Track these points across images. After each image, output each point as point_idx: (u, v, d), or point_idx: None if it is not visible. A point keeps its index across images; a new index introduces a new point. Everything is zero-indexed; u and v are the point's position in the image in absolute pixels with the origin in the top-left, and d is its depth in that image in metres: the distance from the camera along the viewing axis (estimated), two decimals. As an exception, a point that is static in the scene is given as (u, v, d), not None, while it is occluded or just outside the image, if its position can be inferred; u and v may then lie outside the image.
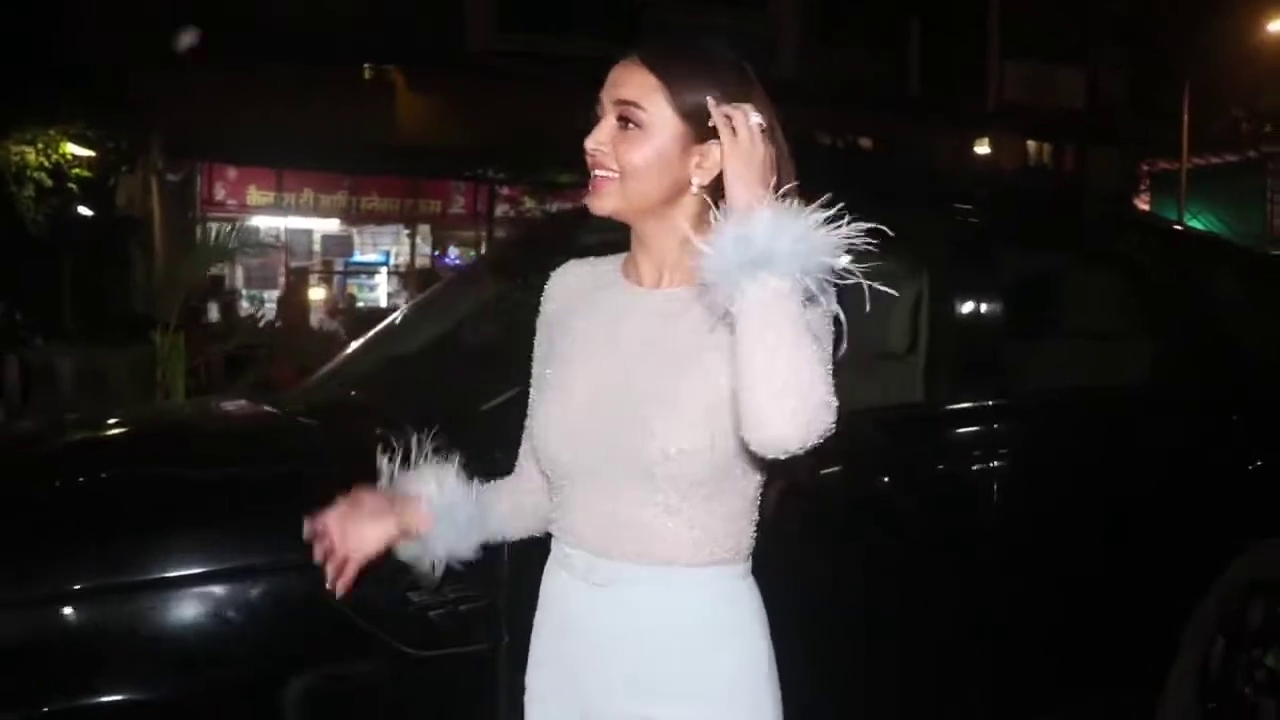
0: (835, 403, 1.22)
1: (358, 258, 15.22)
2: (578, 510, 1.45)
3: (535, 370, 1.57)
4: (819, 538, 2.31)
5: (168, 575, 1.92)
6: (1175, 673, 2.99)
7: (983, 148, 19.14)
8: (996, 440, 2.71)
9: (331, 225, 14.58)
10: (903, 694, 2.58)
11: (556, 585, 1.50)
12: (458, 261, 15.92)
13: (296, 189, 13.84)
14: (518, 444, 2.17)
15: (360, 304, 14.55)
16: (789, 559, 1.60)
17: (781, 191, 1.27)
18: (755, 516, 1.44)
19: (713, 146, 1.36)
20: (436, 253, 15.65)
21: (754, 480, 1.42)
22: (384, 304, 14.94)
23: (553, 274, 1.60)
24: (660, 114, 1.38)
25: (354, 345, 3.40)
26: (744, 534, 1.44)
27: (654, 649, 1.41)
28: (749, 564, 1.46)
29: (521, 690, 1.55)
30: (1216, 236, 7.41)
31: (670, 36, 1.46)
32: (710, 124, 1.33)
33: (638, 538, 1.40)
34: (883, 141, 16.60)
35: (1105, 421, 2.99)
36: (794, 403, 1.19)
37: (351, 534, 1.53)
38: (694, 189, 1.40)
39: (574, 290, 1.55)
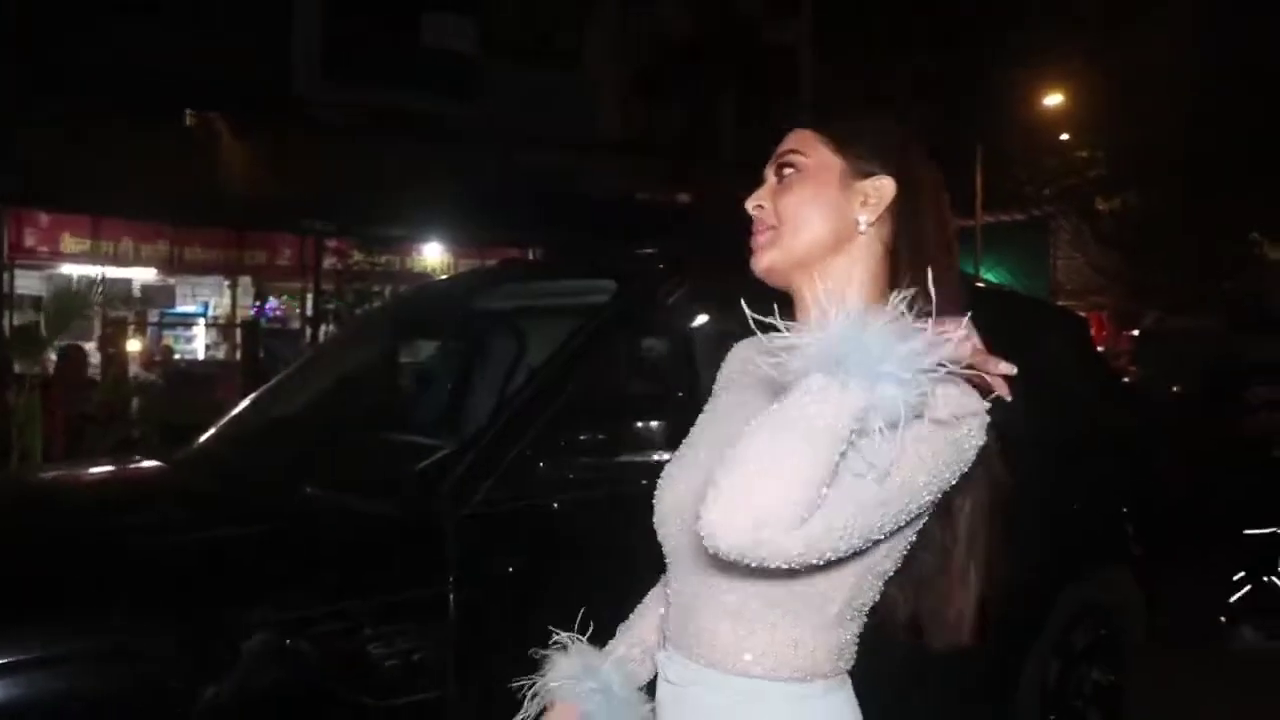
0: (813, 536, 1.07)
1: (177, 309, 14.70)
2: (670, 593, 1.36)
3: None
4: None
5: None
6: (1021, 690, 3.32)
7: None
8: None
9: (150, 275, 14.04)
10: None
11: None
12: (279, 313, 15.62)
13: (115, 237, 13.27)
14: (456, 499, 2.25)
15: (177, 356, 14.06)
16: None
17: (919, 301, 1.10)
18: (841, 640, 1.27)
19: (880, 180, 1.28)
20: (257, 304, 15.27)
21: (836, 601, 1.24)
22: (202, 356, 14.50)
23: (735, 345, 1.48)
24: (817, 155, 1.30)
25: (241, 404, 3.41)
26: (820, 656, 1.26)
27: None
28: (832, 682, 1.27)
29: None
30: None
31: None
32: (875, 160, 1.28)
33: (699, 633, 1.29)
34: (701, 198, 17.09)
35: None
36: (734, 490, 1.06)
37: None
38: (862, 227, 1.28)
39: (742, 362, 1.44)
